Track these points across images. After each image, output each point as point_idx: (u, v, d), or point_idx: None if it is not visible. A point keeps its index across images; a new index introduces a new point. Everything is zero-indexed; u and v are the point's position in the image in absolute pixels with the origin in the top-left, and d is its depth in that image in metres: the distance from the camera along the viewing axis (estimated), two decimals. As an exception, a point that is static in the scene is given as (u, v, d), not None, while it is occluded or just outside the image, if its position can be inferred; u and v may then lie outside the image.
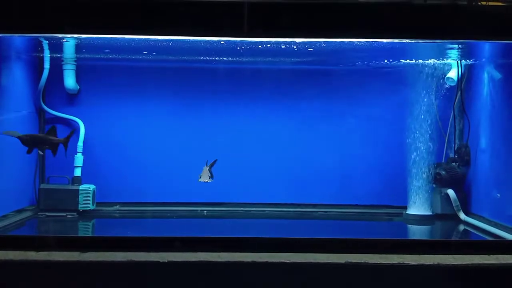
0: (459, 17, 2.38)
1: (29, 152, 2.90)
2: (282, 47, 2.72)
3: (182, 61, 3.28)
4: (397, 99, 3.34)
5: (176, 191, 3.39)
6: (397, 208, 3.34)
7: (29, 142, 2.90)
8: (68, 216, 3.15)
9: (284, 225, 3.24)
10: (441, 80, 3.25)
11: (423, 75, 3.21)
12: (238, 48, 2.79)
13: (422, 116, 3.22)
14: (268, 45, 2.69)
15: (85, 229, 3.10)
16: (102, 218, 3.23)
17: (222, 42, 2.61)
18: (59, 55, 3.23)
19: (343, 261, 2.26)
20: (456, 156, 3.27)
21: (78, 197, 3.17)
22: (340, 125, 3.43)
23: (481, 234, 2.81)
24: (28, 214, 3.12)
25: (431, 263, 2.26)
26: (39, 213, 3.16)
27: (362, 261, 2.26)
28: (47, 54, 3.20)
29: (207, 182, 2.91)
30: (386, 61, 3.18)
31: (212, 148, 3.37)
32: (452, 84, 3.25)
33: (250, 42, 2.62)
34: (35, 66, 3.31)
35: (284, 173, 3.41)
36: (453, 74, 3.21)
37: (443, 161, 3.31)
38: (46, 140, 2.97)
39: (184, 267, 2.24)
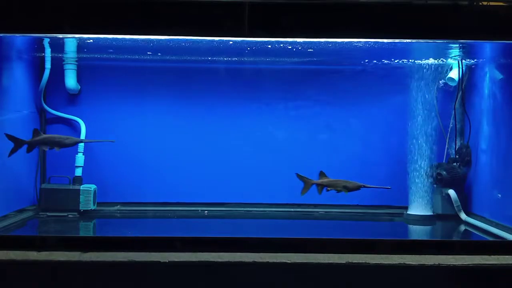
0: (460, 17, 2.38)
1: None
2: (289, 47, 2.73)
3: (183, 61, 3.29)
4: (398, 99, 3.34)
5: (177, 191, 3.39)
6: (398, 208, 3.34)
7: None
8: (69, 216, 3.15)
9: (285, 225, 3.24)
10: (442, 80, 3.25)
11: (424, 75, 3.21)
12: (248, 49, 2.80)
13: (423, 116, 3.22)
14: (283, 45, 2.70)
15: (86, 229, 3.10)
16: (103, 218, 3.24)
17: (231, 43, 2.61)
18: (60, 55, 3.23)
19: (344, 261, 2.26)
20: (457, 157, 3.27)
21: (79, 197, 3.17)
22: (341, 125, 3.43)
23: (482, 235, 2.81)
24: (29, 214, 3.12)
25: (432, 263, 2.26)
26: (40, 213, 3.16)
27: (363, 261, 2.26)
28: (48, 54, 3.21)
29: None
30: (386, 61, 3.18)
31: (213, 148, 3.38)
32: (453, 84, 3.24)
33: (255, 42, 2.63)
34: (36, 66, 3.31)
35: (285, 173, 3.40)
36: (454, 74, 3.21)
37: (444, 161, 3.31)
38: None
39: (184, 267, 2.24)
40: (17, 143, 2.86)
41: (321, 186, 2.79)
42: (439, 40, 2.49)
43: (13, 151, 2.85)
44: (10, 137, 2.84)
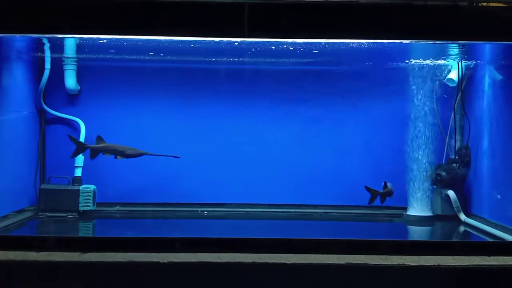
0: (460, 18, 2.38)
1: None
2: (291, 48, 2.74)
3: (183, 61, 3.29)
4: (398, 100, 3.34)
5: (177, 191, 3.39)
6: (397, 209, 3.34)
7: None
8: (69, 216, 3.15)
9: (285, 226, 3.24)
10: (442, 81, 3.25)
11: (423, 75, 3.21)
12: (253, 49, 2.81)
13: (423, 117, 3.22)
14: (286, 46, 2.71)
15: (86, 230, 3.10)
16: (103, 218, 3.24)
17: (236, 44, 2.61)
18: (60, 55, 3.23)
19: (343, 262, 2.26)
20: (456, 157, 3.27)
21: (79, 198, 3.17)
22: (341, 126, 3.43)
23: (481, 235, 2.81)
24: (28, 214, 3.12)
25: (431, 264, 2.26)
26: (39, 213, 3.16)
27: (363, 262, 2.26)
28: (48, 55, 3.21)
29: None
30: (386, 62, 3.18)
31: (213, 149, 3.38)
32: (453, 85, 3.25)
33: (257, 42, 2.63)
34: (36, 67, 3.31)
35: (284, 174, 3.41)
36: (453, 75, 3.21)
37: (443, 162, 3.31)
38: None
39: (184, 268, 2.24)
40: (81, 146, 3.05)
41: (383, 196, 2.94)
42: (439, 41, 2.49)
43: (75, 154, 3.08)
44: (74, 140, 3.05)
